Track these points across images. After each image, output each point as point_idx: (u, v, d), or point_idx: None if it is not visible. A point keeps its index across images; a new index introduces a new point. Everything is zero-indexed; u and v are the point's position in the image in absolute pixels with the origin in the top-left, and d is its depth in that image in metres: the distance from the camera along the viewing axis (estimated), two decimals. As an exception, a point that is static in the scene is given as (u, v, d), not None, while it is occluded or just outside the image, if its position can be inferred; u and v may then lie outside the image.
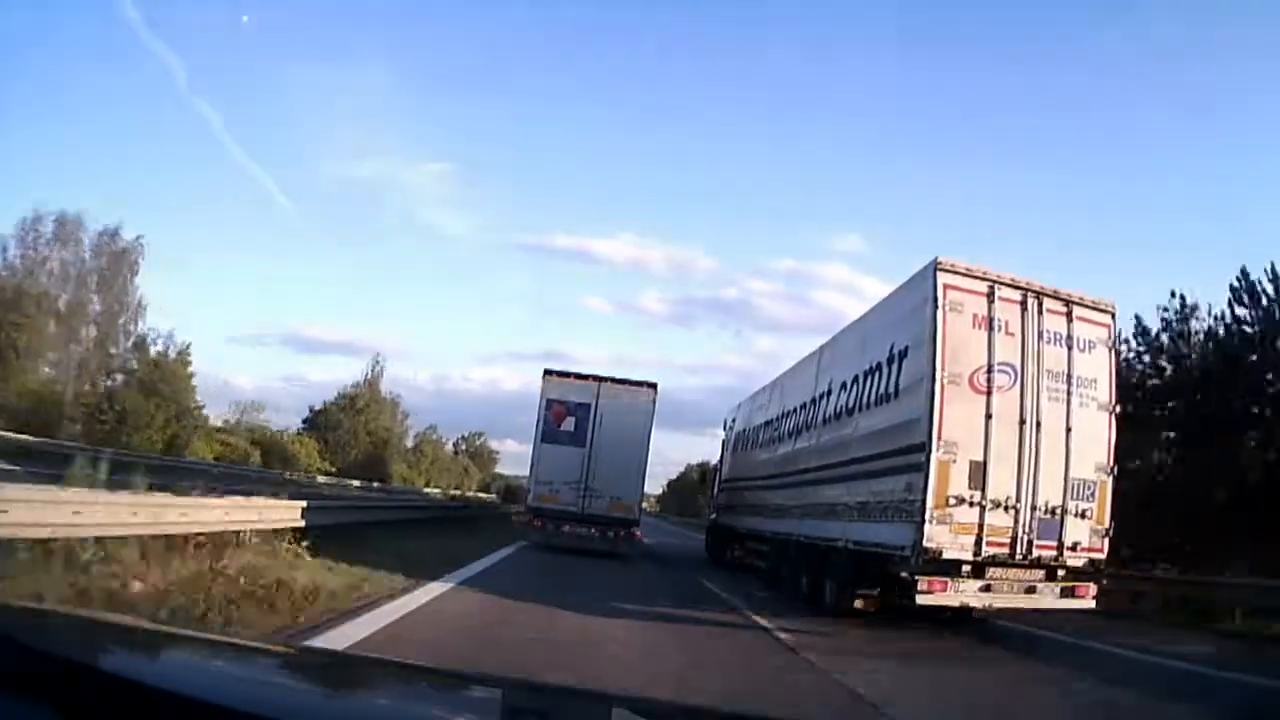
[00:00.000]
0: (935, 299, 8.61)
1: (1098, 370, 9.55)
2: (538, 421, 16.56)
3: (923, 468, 8.24)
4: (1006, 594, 8.99)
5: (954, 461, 8.36)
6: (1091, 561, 9.24)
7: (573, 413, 16.32)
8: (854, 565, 9.67)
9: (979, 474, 8.54)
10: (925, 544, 8.13)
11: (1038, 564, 8.97)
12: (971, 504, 8.48)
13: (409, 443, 67.15)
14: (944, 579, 8.46)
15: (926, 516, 8.14)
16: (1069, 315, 9.51)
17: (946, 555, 8.30)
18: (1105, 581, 9.93)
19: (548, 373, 16.97)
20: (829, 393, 11.28)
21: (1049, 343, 9.30)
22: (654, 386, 16.86)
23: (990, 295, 9.02)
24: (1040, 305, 9.38)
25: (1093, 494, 9.29)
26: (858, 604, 9.66)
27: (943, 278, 8.72)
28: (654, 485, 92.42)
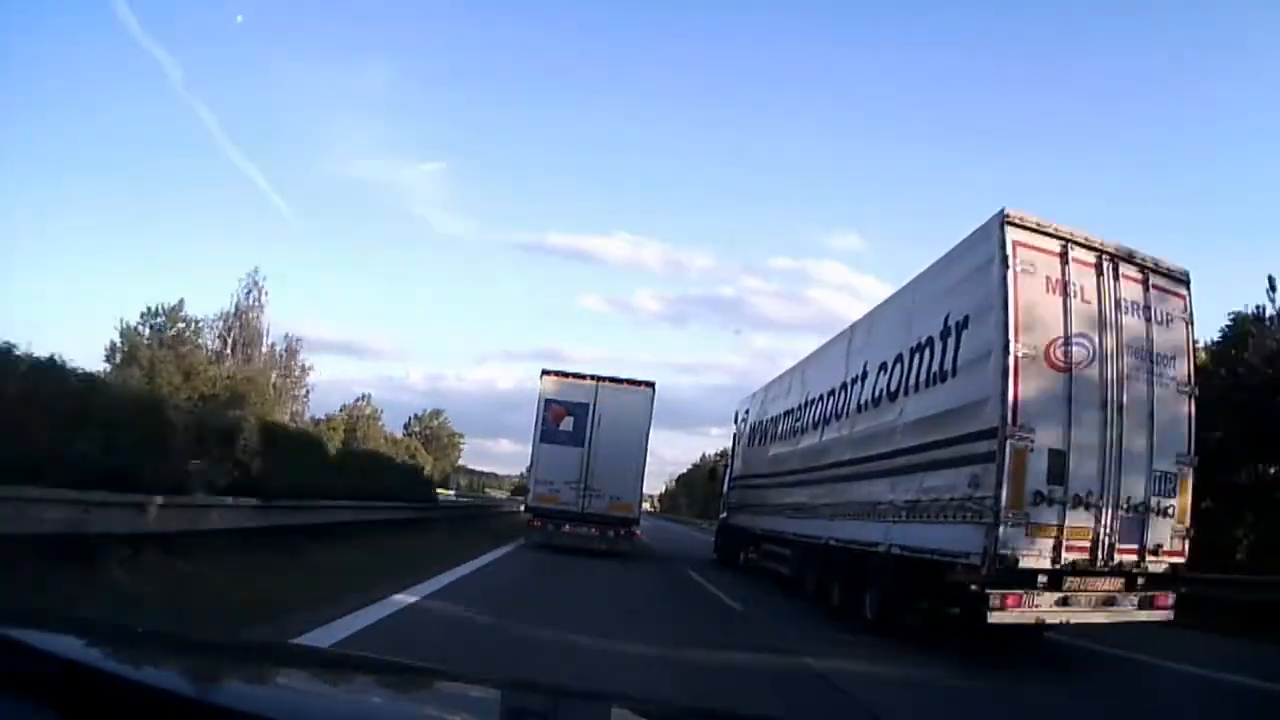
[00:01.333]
0: (1004, 258, 7.19)
1: (1175, 346, 8.24)
2: (536, 421, 16.46)
3: (994, 458, 6.80)
4: (1084, 608, 7.68)
5: (1031, 450, 6.92)
6: (1173, 566, 7.97)
7: (571, 412, 16.27)
8: (900, 574, 8.26)
9: (1059, 465, 7.11)
10: (1000, 551, 6.69)
11: (1118, 571, 7.62)
12: (1051, 501, 7.05)
13: (312, 413, 46.75)
14: (1018, 592, 7.07)
15: (1001, 517, 6.70)
16: (1145, 283, 8.18)
17: (1023, 564, 6.86)
18: (1184, 589, 8.70)
19: (545, 372, 16.83)
20: (863, 376, 9.81)
21: (1127, 313, 7.93)
22: (652, 385, 16.78)
23: (1064, 255, 7.63)
24: (1116, 269, 8.01)
25: (1174, 488, 7.99)
26: (904, 619, 8.29)
27: (1011, 233, 7.31)
28: (652, 484, 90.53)
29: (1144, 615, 7.98)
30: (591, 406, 16.18)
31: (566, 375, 16.82)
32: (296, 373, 40.97)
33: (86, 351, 35.48)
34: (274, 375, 37.20)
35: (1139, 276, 8.13)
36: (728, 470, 19.94)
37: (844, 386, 10.47)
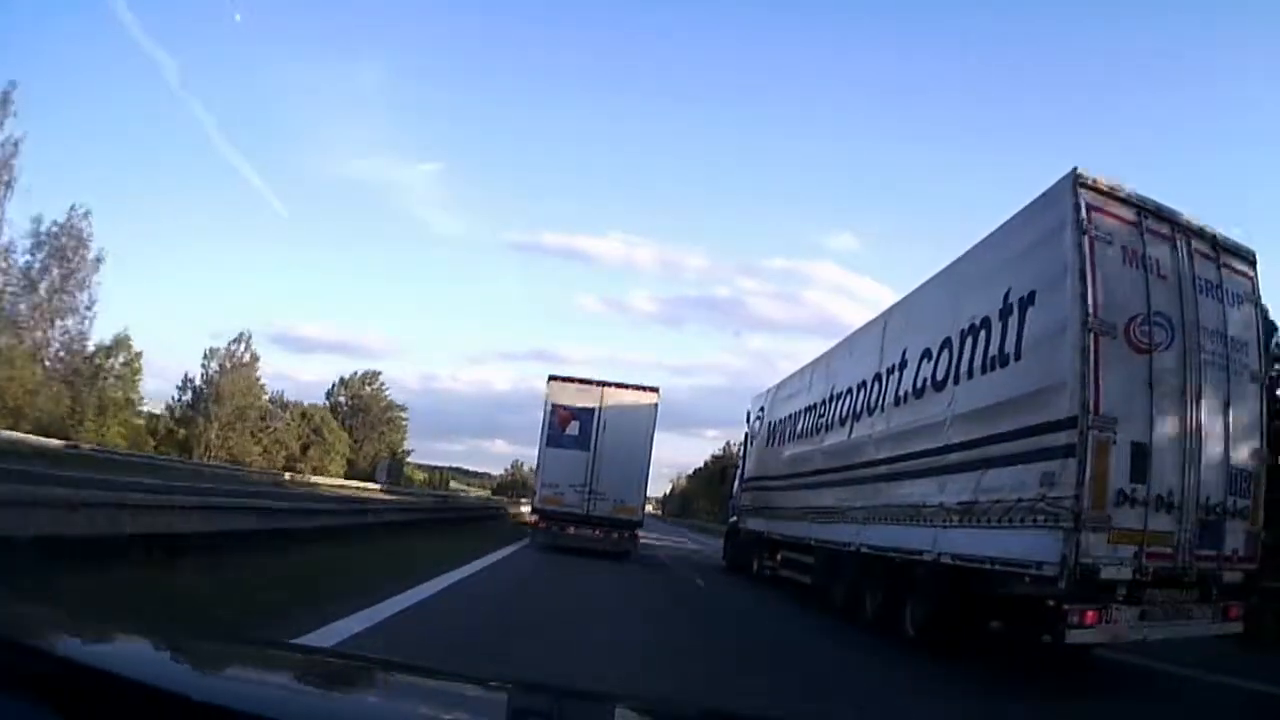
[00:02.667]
0: (1078, 222, 6.31)
1: (1247, 330, 7.49)
2: (543, 426, 16.72)
3: (1073, 453, 5.88)
4: (1161, 621, 6.85)
5: (1113, 443, 6.01)
6: (1248, 575, 7.19)
7: (577, 417, 16.53)
8: (949, 586, 7.35)
9: (1142, 461, 6.22)
10: (1081, 560, 5.77)
11: (1196, 580, 6.77)
12: (1134, 503, 6.16)
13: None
14: (1098, 607, 6.17)
15: (1082, 521, 5.78)
16: (1217, 260, 7.40)
17: (1104, 575, 5.95)
18: (1255, 599, 7.91)
19: (553, 378, 17.08)
20: (902, 365, 8.88)
21: (1201, 292, 7.10)
22: (656, 390, 17.02)
23: (1138, 225, 6.79)
24: (1189, 243, 7.21)
25: (1248, 487, 7.22)
26: (957, 637, 7.38)
27: (1085, 195, 6.44)
28: (654, 487, 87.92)
29: (1217, 629, 7.24)
30: (597, 411, 16.43)
31: (573, 380, 17.01)
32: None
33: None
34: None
35: (1210, 253, 7.36)
36: (738, 471, 18.98)
37: (878, 377, 9.53)
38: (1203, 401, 6.74)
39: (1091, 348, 6.04)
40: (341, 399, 59.95)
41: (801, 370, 13.88)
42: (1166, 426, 6.45)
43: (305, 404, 55.12)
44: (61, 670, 1.19)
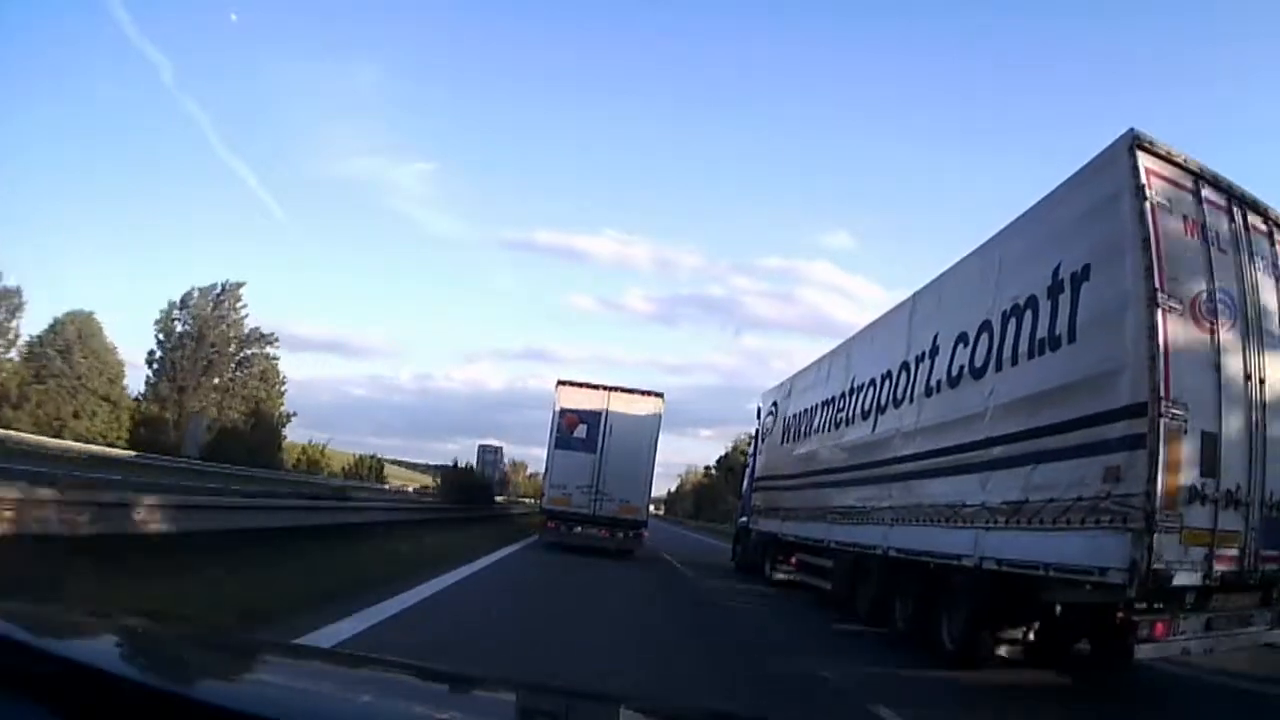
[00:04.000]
0: (1138, 188, 5.71)
1: None
2: (551, 429, 17.34)
3: (1142, 443, 5.26)
4: (1224, 630, 6.36)
5: (1184, 433, 5.41)
6: None
7: (584, 420, 17.10)
8: (995, 594, 6.74)
9: (1211, 453, 5.60)
10: (1154, 565, 5.16)
11: (1260, 583, 6.18)
12: (1204, 499, 5.54)
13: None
14: (1166, 617, 5.58)
15: (1155, 520, 5.16)
16: (1271, 236, 6.82)
17: (1177, 580, 5.34)
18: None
19: (560, 383, 17.70)
20: (933, 352, 8.25)
21: (1261, 268, 6.53)
22: (660, 396, 17.66)
23: (1196, 193, 6.18)
24: (1245, 216, 6.61)
25: None
26: (1001, 650, 6.76)
27: (1144, 159, 5.83)
28: (656, 487, 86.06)
29: (1275, 635, 6.67)
30: (603, 415, 17.01)
31: (581, 386, 17.58)
32: None
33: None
34: None
35: (1265, 228, 6.79)
36: (747, 470, 18.36)
37: (905, 367, 8.90)
38: (1265, 387, 6.15)
39: (1160, 325, 5.43)
40: (179, 327, 38.21)
41: (818, 361, 13.23)
42: (1234, 415, 5.85)
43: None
44: (61, 670, 1.19)
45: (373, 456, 72.63)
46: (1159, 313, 5.38)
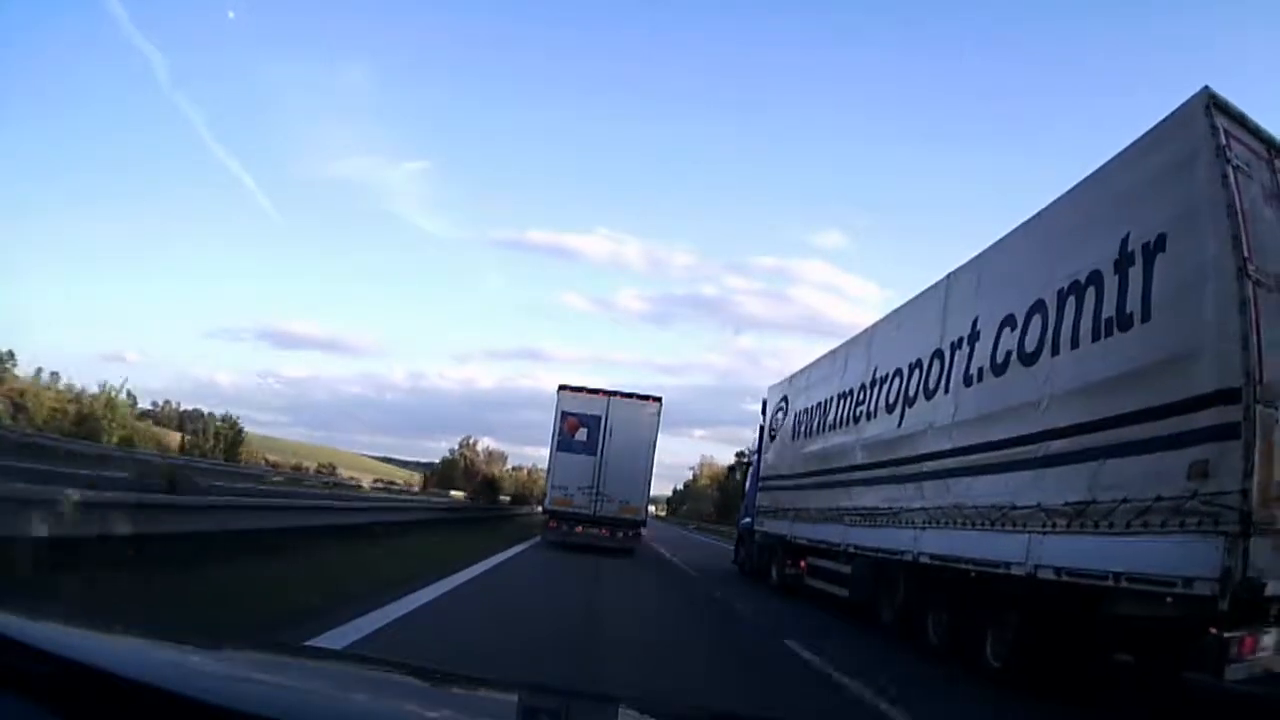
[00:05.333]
0: (1218, 148, 4.97)
1: None
2: (553, 432, 17.90)
3: (1234, 434, 4.51)
4: None
5: (1277, 421, 4.65)
6: None
7: (585, 424, 17.69)
8: (1049, 606, 5.98)
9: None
10: (1248, 574, 4.40)
11: None
12: (1298, 497, 4.78)
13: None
14: (1252, 631, 4.83)
15: (1251, 522, 4.40)
16: None
17: (1270, 590, 4.59)
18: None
19: (562, 387, 18.15)
20: (973, 337, 7.48)
21: None
22: (659, 400, 18.20)
23: (1271, 163, 5.42)
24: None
25: None
26: (1054, 669, 6.02)
27: (1221, 120, 5.09)
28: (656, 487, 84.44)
29: None
30: (604, 419, 17.60)
31: (581, 390, 18.11)
32: None
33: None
34: None
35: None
36: (752, 468, 17.58)
37: (938, 354, 8.12)
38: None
39: (1251, 300, 4.68)
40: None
41: (834, 352, 12.43)
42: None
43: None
44: (61, 670, 1.18)
45: (225, 418, 47.97)
46: (1250, 285, 4.63)
